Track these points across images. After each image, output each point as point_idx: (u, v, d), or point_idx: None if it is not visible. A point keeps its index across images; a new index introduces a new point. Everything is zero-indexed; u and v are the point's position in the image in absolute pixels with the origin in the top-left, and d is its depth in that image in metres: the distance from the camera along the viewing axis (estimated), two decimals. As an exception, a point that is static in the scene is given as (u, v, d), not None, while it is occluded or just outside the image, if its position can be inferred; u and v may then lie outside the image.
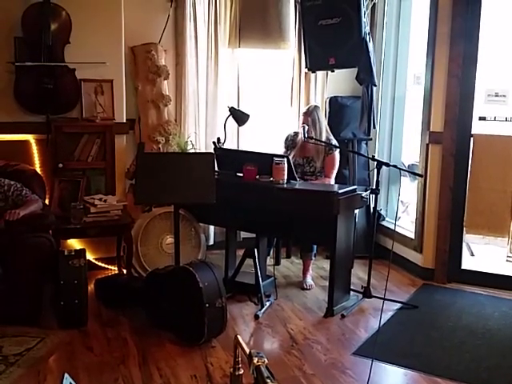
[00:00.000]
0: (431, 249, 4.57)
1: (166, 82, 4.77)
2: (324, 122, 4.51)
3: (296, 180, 4.03)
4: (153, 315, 3.57)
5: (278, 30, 4.95)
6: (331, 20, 4.60)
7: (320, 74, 5.18)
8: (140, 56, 4.69)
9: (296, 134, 4.58)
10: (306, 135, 4.25)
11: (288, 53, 5.12)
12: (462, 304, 4.14)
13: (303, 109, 4.63)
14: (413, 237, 4.75)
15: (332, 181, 4.45)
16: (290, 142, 4.60)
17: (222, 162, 4.29)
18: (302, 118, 4.46)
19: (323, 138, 4.41)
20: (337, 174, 4.57)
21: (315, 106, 4.54)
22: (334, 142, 4.51)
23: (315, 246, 4.52)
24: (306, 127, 4.28)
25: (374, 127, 4.84)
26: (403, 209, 5.47)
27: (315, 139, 4.31)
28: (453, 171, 4.44)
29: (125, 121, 4.60)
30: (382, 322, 3.67)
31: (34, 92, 4.19)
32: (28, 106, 4.26)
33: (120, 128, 4.52)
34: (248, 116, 4.48)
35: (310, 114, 4.39)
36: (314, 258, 4.58)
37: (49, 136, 4.27)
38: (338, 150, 4.46)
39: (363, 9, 4.48)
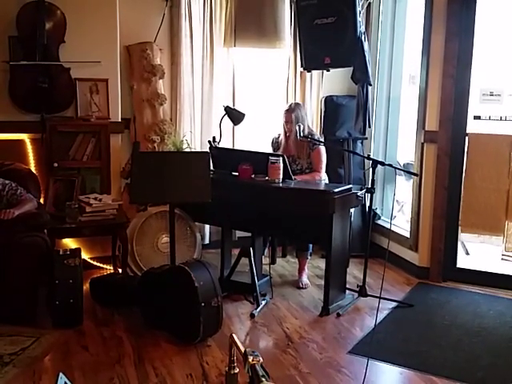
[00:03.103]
0: (426, 248, 4.58)
1: (161, 81, 4.76)
2: (306, 119, 4.49)
3: (292, 179, 4.03)
4: (148, 314, 3.57)
5: (274, 29, 4.95)
6: (326, 19, 4.61)
7: (315, 73, 5.19)
8: (135, 55, 4.68)
9: (280, 135, 4.57)
10: (302, 134, 4.23)
11: (283, 52, 5.12)
12: (457, 303, 4.15)
13: (285, 107, 4.56)
14: (408, 236, 4.75)
15: (322, 175, 4.44)
16: (276, 144, 4.61)
17: (218, 161, 4.29)
18: (284, 115, 4.41)
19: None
20: (332, 173, 4.56)
21: (296, 103, 4.52)
22: (317, 136, 4.51)
23: (311, 245, 4.52)
24: (302, 126, 4.26)
25: (370, 126, 4.86)
26: (398, 208, 5.49)
27: (310, 138, 4.31)
28: (448, 170, 4.45)
29: (120, 120, 4.60)
30: (378, 320, 3.68)
31: (28, 91, 4.19)
32: (23, 105, 4.25)
33: (115, 127, 4.52)
34: (243, 115, 4.48)
35: (292, 111, 4.36)
36: (309, 256, 4.58)
37: (43, 135, 4.27)
38: (323, 143, 4.45)
39: (358, 8, 4.48)
